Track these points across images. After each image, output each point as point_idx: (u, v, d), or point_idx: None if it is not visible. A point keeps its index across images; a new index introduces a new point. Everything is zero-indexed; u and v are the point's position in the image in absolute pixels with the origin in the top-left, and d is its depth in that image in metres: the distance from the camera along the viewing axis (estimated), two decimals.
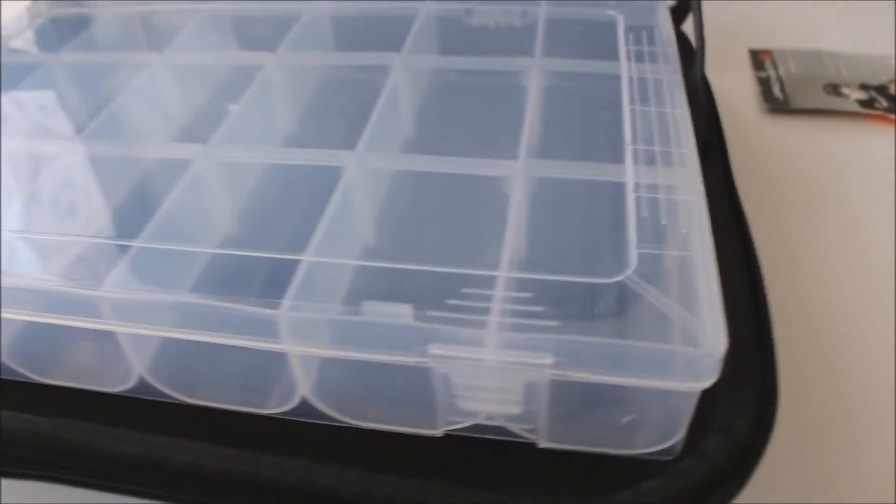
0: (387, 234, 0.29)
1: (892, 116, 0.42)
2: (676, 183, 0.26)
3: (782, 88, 0.43)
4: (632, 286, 0.22)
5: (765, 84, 0.44)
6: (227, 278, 0.27)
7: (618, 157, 0.27)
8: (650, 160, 0.26)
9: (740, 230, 0.28)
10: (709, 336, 0.21)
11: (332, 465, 0.21)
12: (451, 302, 0.22)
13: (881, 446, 0.26)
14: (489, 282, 0.23)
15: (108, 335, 0.24)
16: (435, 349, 0.21)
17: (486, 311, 0.22)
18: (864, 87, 0.44)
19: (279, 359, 0.24)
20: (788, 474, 0.26)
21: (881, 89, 0.43)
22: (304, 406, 0.25)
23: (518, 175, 0.27)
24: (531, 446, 0.24)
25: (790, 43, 0.48)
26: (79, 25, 0.40)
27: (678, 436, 0.23)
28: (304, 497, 0.22)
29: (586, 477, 0.24)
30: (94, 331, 0.24)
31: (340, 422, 0.25)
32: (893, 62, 0.46)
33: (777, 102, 0.42)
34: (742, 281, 0.26)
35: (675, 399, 0.22)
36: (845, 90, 0.43)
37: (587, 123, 0.33)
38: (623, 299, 0.23)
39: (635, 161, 0.26)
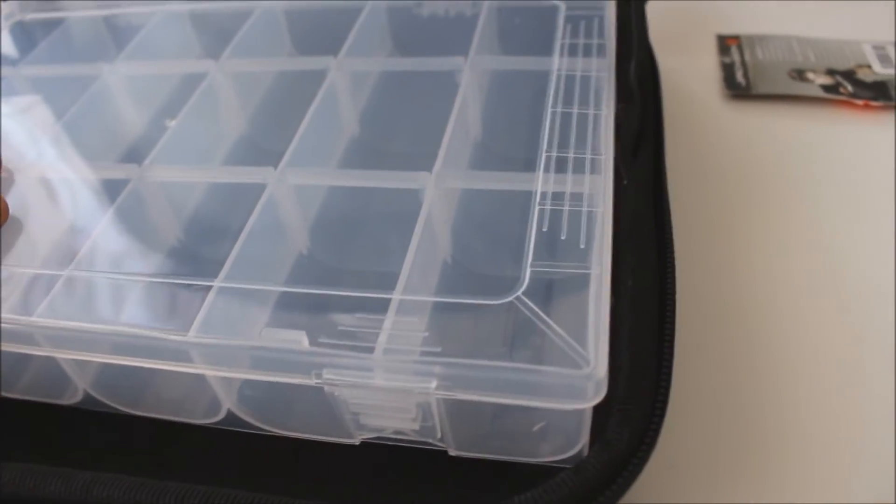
0: (319, 244, 0.30)
1: (857, 102, 0.40)
2: (585, 191, 0.26)
3: (745, 74, 0.42)
4: (520, 307, 0.23)
5: (728, 69, 0.42)
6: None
7: (534, 164, 0.27)
8: (562, 167, 0.26)
9: (660, 234, 0.28)
10: (590, 359, 0.21)
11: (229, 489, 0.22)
12: (343, 328, 0.23)
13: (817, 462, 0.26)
14: (384, 304, 0.23)
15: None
16: (328, 374, 0.22)
17: (375, 336, 0.22)
18: (830, 72, 0.42)
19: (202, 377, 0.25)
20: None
21: (848, 75, 0.42)
22: (232, 417, 0.26)
23: (430, 187, 0.27)
24: (443, 454, 0.25)
25: (763, 29, 0.46)
26: (47, 28, 0.42)
27: (581, 444, 0.24)
28: None
29: (489, 485, 0.25)
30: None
31: (267, 431, 0.27)
32: (864, 48, 0.44)
33: (739, 88, 0.41)
34: (653, 291, 0.26)
35: (569, 413, 0.23)
36: (811, 75, 0.42)
37: (517, 124, 0.33)
38: (515, 318, 0.23)
39: (546, 169, 0.26)
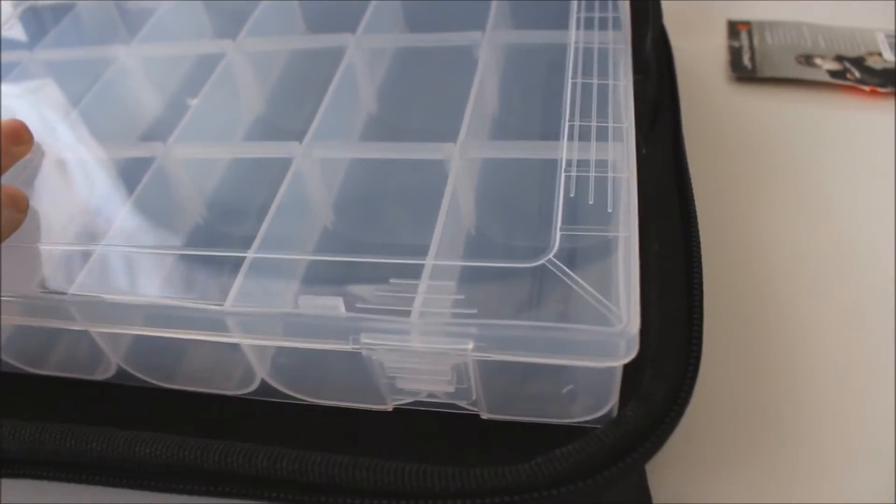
0: (343, 218, 0.31)
1: (864, 88, 0.40)
2: (610, 158, 0.26)
3: (752, 58, 0.42)
4: (552, 269, 0.23)
5: (735, 53, 0.43)
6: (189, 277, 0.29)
7: (558, 133, 0.27)
8: (585, 136, 0.27)
9: (683, 202, 0.28)
10: (622, 317, 0.22)
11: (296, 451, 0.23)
12: (380, 293, 0.23)
13: (822, 430, 0.27)
14: (417, 270, 0.24)
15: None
16: (365, 338, 0.23)
17: (411, 300, 0.23)
18: (839, 58, 0.42)
19: (236, 347, 0.25)
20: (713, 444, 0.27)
21: (857, 61, 0.42)
22: (265, 387, 0.27)
23: (455, 158, 0.27)
24: (475, 417, 0.26)
25: (776, 16, 0.46)
26: (57, 13, 0.42)
27: (611, 403, 0.25)
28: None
29: (524, 445, 0.25)
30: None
31: (299, 400, 0.27)
32: (876, 36, 0.44)
33: (744, 71, 0.41)
34: (678, 254, 0.27)
35: (600, 372, 0.24)
36: (818, 61, 0.42)
37: (534, 97, 0.33)
38: (546, 281, 0.24)
39: (570, 137, 0.27)
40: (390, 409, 0.26)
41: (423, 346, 0.22)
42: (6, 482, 0.26)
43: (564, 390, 0.26)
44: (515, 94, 0.33)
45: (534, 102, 0.33)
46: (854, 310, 0.30)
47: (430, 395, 0.25)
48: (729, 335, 0.29)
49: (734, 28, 0.46)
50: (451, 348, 0.22)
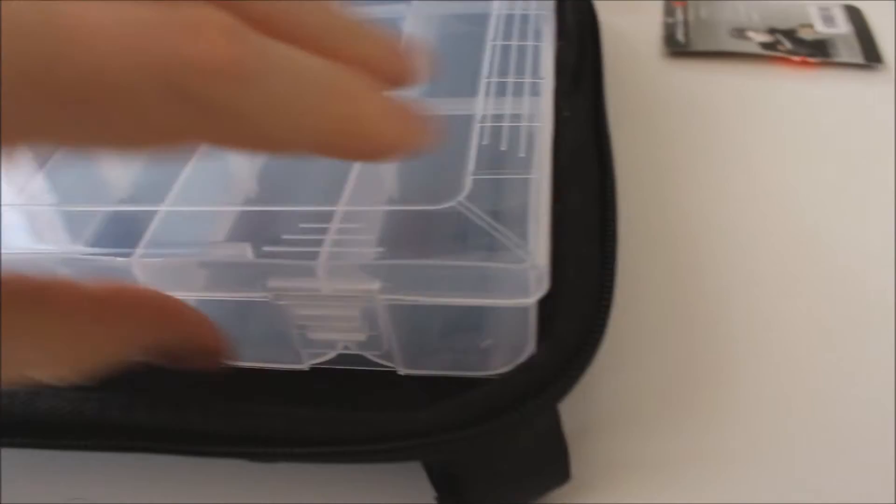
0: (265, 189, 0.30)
1: (794, 58, 0.41)
2: (525, 111, 0.26)
3: (686, 33, 0.43)
4: (462, 210, 0.23)
5: (669, 28, 0.44)
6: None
7: (476, 91, 0.28)
8: (501, 91, 0.27)
9: (602, 160, 0.29)
10: (531, 252, 0.22)
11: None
12: (287, 237, 0.23)
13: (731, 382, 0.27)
14: (326, 216, 0.24)
15: None
16: (273, 282, 0.22)
17: (319, 243, 0.23)
18: (771, 31, 0.43)
19: None
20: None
21: (789, 33, 0.43)
22: None
23: None
24: (392, 374, 0.25)
25: None
26: None
27: (528, 352, 0.24)
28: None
29: (441, 399, 0.25)
30: None
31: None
32: (809, 9, 0.45)
33: (678, 46, 0.42)
34: (595, 207, 0.27)
35: (515, 316, 0.23)
36: (751, 34, 0.43)
37: (464, 65, 0.33)
38: (458, 224, 0.24)
39: (487, 93, 0.27)
40: (307, 369, 0.26)
41: (331, 287, 0.22)
42: None
43: (483, 344, 0.25)
44: (444, 63, 0.34)
45: (462, 70, 0.33)
46: (776, 267, 0.31)
47: (346, 347, 0.25)
48: (648, 284, 0.30)
49: (670, 5, 0.47)
50: (358, 289, 0.22)
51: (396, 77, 0.20)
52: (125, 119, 0.15)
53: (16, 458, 0.26)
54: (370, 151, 0.18)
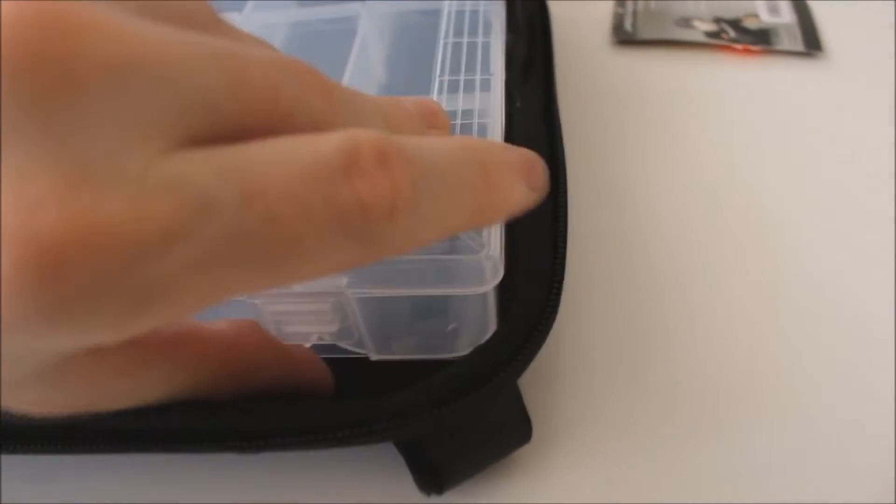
0: None
1: (737, 47, 0.43)
2: (476, 107, 0.28)
3: (634, 23, 0.45)
4: None
5: (618, 18, 0.45)
6: None
7: (430, 90, 0.29)
8: (454, 89, 0.28)
9: (552, 146, 0.30)
10: (485, 242, 0.23)
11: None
12: None
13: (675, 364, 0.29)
14: None
15: None
16: None
17: None
18: (717, 20, 0.45)
19: None
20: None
21: (734, 22, 0.45)
22: None
23: None
24: (365, 360, 0.27)
25: None
26: None
27: (491, 333, 0.26)
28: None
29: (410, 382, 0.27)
30: None
31: None
32: None
33: (625, 35, 0.44)
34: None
35: (476, 302, 0.25)
36: (696, 23, 0.45)
37: (414, 64, 0.34)
38: None
39: (440, 91, 0.28)
40: None
41: (301, 285, 0.24)
42: None
43: (449, 328, 0.27)
44: (400, 61, 0.35)
45: (418, 68, 0.34)
46: (720, 246, 0.33)
47: (320, 338, 0.26)
48: (600, 265, 0.32)
49: None
50: (328, 286, 0.24)
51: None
52: (299, 262, 0.16)
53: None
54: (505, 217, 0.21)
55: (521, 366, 0.24)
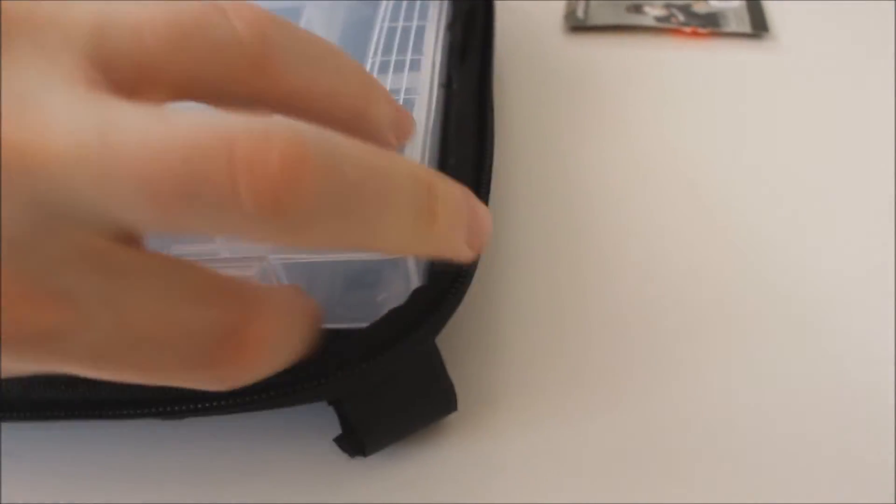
0: None
1: (686, 30, 0.44)
2: (404, 86, 0.29)
3: (586, 10, 0.46)
4: None
5: (570, 6, 0.47)
6: None
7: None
8: (384, 69, 0.30)
9: (481, 124, 0.31)
10: None
11: None
12: None
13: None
14: None
15: None
16: (175, 248, 0.25)
17: None
18: (667, 5, 0.46)
19: None
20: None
21: (684, 7, 0.46)
22: None
23: None
24: None
25: None
26: None
27: None
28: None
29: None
30: None
31: None
32: None
33: (577, 21, 0.45)
34: (467, 166, 0.30)
35: (400, 269, 0.26)
36: (647, 8, 0.46)
37: (353, 46, 0.36)
38: None
39: (371, 71, 0.30)
40: None
41: (227, 250, 0.25)
42: None
43: (378, 298, 0.28)
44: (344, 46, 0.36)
45: (357, 51, 0.36)
46: (668, 225, 0.33)
47: None
48: (532, 237, 0.33)
49: None
50: (253, 252, 0.25)
51: (403, 133, 0.24)
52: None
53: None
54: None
55: (433, 327, 0.25)
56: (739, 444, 0.26)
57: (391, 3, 0.33)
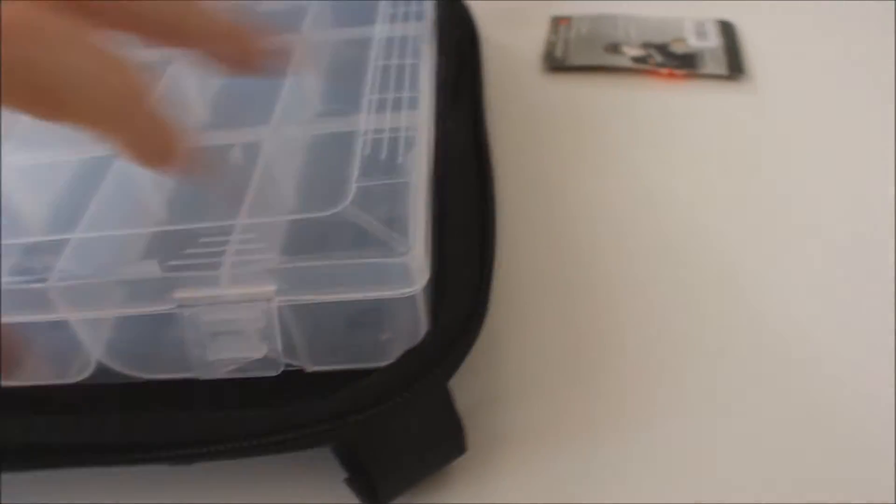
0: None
1: (662, 71, 0.45)
2: (403, 123, 0.29)
3: (565, 49, 0.47)
4: (347, 216, 0.26)
5: (550, 46, 0.47)
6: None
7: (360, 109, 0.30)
8: (382, 107, 0.30)
9: (480, 163, 0.32)
10: (411, 245, 0.24)
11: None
12: (190, 251, 0.25)
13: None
14: (227, 230, 0.26)
15: None
16: (179, 293, 0.25)
17: (221, 254, 0.25)
18: (645, 45, 0.47)
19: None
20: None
21: (662, 47, 0.47)
22: (102, 370, 0.28)
23: (267, 139, 0.30)
24: (300, 372, 0.28)
25: (599, 10, 0.51)
26: None
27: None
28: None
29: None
30: None
31: (137, 378, 0.28)
32: (684, 24, 0.49)
33: (556, 61, 0.46)
34: (474, 206, 0.30)
35: (406, 308, 0.26)
36: (625, 49, 0.47)
37: (349, 91, 0.36)
38: (346, 228, 0.26)
39: (369, 110, 0.30)
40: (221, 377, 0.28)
41: (233, 292, 0.24)
42: None
43: (383, 338, 0.28)
44: (336, 88, 0.36)
45: (351, 94, 0.36)
46: (648, 259, 0.34)
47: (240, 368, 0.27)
48: (531, 276, 0.33)
49: (556, 23, 0.50)
50: (259, 290, 0.24)
51: (239, 60, 0.25)
52: None
53: None
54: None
55: (448, 370, 0.25)
56: (751, 481, 0.26)
57: (383, 38, 0.34)
